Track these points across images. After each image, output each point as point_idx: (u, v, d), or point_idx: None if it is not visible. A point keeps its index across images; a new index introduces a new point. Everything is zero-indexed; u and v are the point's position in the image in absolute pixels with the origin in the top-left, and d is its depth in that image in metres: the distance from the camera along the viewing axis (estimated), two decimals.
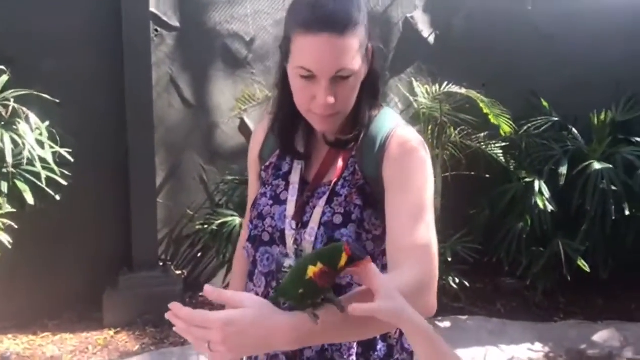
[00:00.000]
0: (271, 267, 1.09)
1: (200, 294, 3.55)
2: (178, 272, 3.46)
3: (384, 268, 1.07)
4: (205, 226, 3.25)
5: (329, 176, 1.09)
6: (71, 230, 3.25)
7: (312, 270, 0.81)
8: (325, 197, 1.06)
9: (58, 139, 2.83)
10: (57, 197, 2.83)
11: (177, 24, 3.38)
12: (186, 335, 0.82)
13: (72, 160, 2.82)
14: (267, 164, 1.17)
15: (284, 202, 1.10)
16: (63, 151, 2.80)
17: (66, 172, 2.79)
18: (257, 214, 1.12)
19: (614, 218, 3.35)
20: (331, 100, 0.99)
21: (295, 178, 1.11)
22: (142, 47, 3.19)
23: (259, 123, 1.25)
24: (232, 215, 3.22)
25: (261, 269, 1.11)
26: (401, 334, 1.11)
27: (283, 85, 1.09)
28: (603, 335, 3.19)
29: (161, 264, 3.42)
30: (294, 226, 1.07)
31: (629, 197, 3.38)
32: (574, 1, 3.88)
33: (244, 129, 3.56)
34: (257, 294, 1.11)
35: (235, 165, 3.50)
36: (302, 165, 1.12)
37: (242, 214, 3.25)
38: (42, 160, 2.67)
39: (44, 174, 2.66)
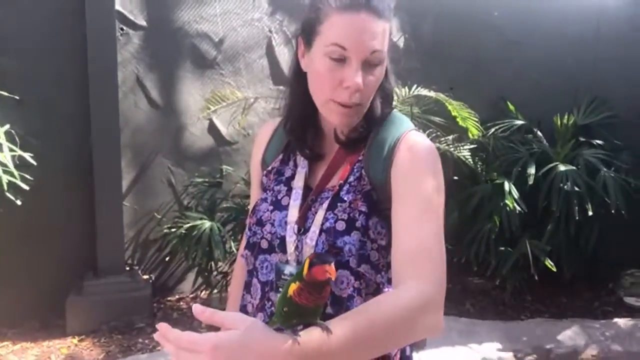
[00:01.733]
0: (269, 275, 1.04)
1: (169, 298, 3.48)
2: (145, 277, 3.37)
3: (389, 281, 1.02)
4: (173, 229, 3.18)
5: (334, 181, 1.04)
6: (33, 234, 3.13)
7: (292, 288, 0.81)
8: (327, 202, 1.01)
9: (17, 140, 2.71)
10: (18, 202, 2.72)
11: (143, 23, 3.30)
12: (175, 358, 0.78)
13: (34, 163, 2.71)
14: (269, 168, 1.12)
15: (284, 208, 1.05)
16: (26, 155, 2.69)
17: (27, 176, 2.69)
18: (256, 220, 1.07)
19: (577, 218, 3.44)
20: (361, 83, 0.95)
21: (299, 183, 1.07)
22: (107, 46, 3.11)
23: (262, 126, 1.21)
24: (201, 219, 3.16)
25: (260, 278, 1.06)
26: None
27: (296, 81, 1.06)
28: (568, 333, 3.26)
29: (128, 268, 3.32)
30: (295, 231, 1.01)
31: (592, 198, 3.48)
32: (538, 8, 3.99)
33: (213, 131, 3.51)
34: (252, 305, 1.07)
35: (204, 167, 3.45)
36: (307, 170, 1.08)
37: (211, 216, 3.20)
38: (1, 164, 2.55)
39: (4, 177, 2.55)
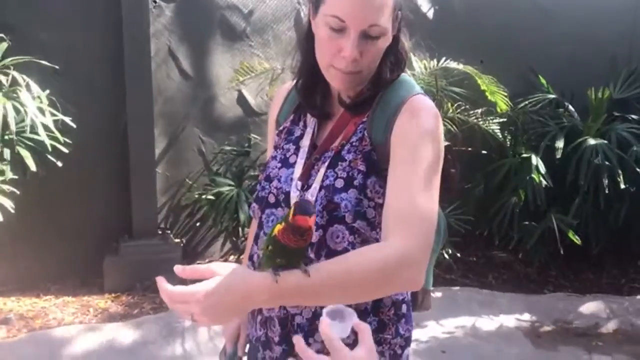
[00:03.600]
0: None
1: (199, 261, 3.64)
2: (177, 240, 3.54)
3: None
4: (204, 196, 3.31)
5: (338, 140, 1.07)
6: (72, 197, 3.33)
7: (277, 228, 0.87)
8: (329, 161, 1.05)
9: (59, 106, 2.88)
10: (59, 164, 2.90)
11: None
12: (171, 308, 0.89)
13: (74, 126, 2.88)
14: (281, 128, 1.17)
15: (291, 165, 1.10)
16: (66, 118, 2.86)
17: (68, 140, 2.86)
18: (265, 176, 1.13)
19: (607, 192, 3.38)
20: (356, 54, 0.98)
21: (306, 142, 1.11)
22: (140, 19, 3.22)
23: (278, 87, 1.26)
24: (229, 185, 3.29)
25: (266, 230, 1.11)
26: (397, 317, 1.11)
27: (307, 41, 1.08)
28: (590, 307, 3.26)
29: (160, 232, 3.50)
30: (299, 187, 1.07)
31: (623, 173, 3.41)
32: None
33: (242, 101, 3.61)
34: (258, 256, 1.14)
35: (233, 137, 3.56)
36: (315, 130, 1.11)
37: (239, 184, 3.32)
38: (45, 127, 2.72)
39: (47, 141, 2.72)
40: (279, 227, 0.87)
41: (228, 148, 3.46)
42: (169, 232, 3.55)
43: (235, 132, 3.58)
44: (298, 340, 0.83)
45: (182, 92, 3.50)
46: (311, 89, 1.12)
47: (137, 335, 2.79)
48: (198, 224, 3.63)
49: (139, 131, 3.32)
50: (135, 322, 2.92)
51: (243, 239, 3.52)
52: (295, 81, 1.16)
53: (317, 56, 1.06)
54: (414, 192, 0.95)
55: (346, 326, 0.79)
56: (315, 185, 1.05)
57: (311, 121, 1.14)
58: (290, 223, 0.85)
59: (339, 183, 1.03)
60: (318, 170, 1.06)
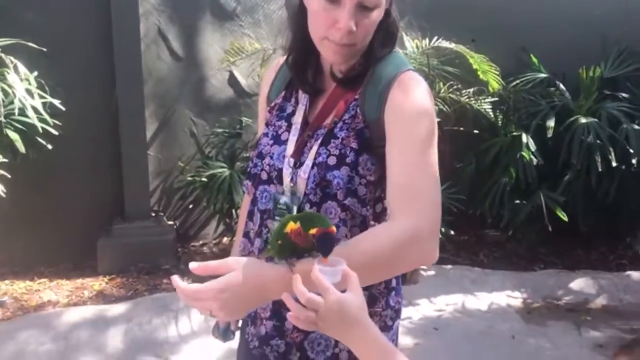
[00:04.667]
0: (268, 205, 1.10)
1: (193, 243, 3.66)
2: (170, 223, 3.54)
3: (377, 216, 1.09)
4: (196, 178, 3.31)
5: (330, 117, 1.08)
6: (64, 180, 3.32)
7: (290, 227, 0.87)
8: (321, 138, 1.06)
9: (47, 89, 2.85)
10: (49, 147, 2.88)
11: None
12: (189, 305, 0.91)
13: (63, 109, 2.85)
14: (273, 104, 1.16)
15: (284, 142, 1.10)
16: (55, 101, 2.83)
17: (57, 122, 2.84)
18: (257, 153, 1.13)
19: (599, 170, 3.41)
20: (352, 26, 0.98)
21: (298, 119, 1.11)
22: None
23: (270, 64, 1.27)
24: (221, 167, 3.29)
25: (259, 206, 1.12)
26: (387, 290, 1.12)
27: (299, 15, 1.08)
28: (579, 284, 3.31)
29: (153, 214, 3.50)
30: (291, 164, 1.07)
31: (614, 150, 3.44)
32: None
33: (233, 82, 3.58)
34: (254, 232, 1.15)
35: (225, 118, 3.54)
36: (306, 107, 1.11)
37: (231, 165, 3.32)
38: (34, 110, 2.70)
39: (37, 123, 2.70)
40: (292, 225, 0.87)
41: (220, 130, 3.45)
42: (162, 214, 3.55)
43: (227, 114, 3.57)
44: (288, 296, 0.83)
45: (172, 73, 3.47)
46: (303, 64, 1.11)
47: (132, 316, 2.81)
48: (191, 206, 3.64)
49: (130, 113, 3.30)
50: (130, 303, 2.94)
51: (237, 220, 3.52)
52: (286, 57, 1.15)
53: (311, 29, 1.05)
54: (416, 168, 0.97)
55: (336, 271, 0.81)
56: (308, 162, 1.05)
57: (303, 97, 1.14)
58: (308, 233, 0.84)
59: (332, 160, 1.03)
60: (311, 148, 1.07)
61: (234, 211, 3.40)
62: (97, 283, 3.18)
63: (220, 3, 3.46)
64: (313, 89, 1.12)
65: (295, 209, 1.06)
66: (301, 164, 1.06)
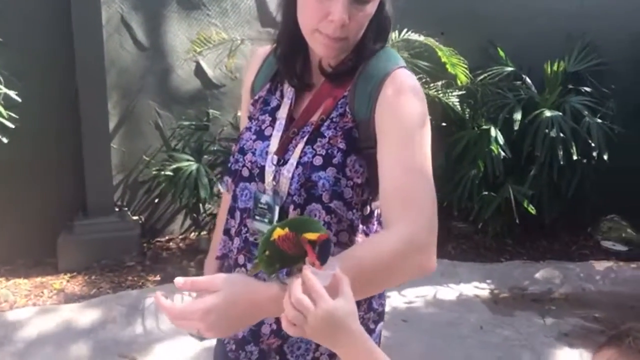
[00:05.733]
0: (248, 203, 1.05)
1: (159, 239, 3.56)
2: (135, 218, 3.44)
3: (364, 220, 1.05)
4: (162, 172, 3.22)
5: (317, 114, 1.03)
6: (22, 175, 3.17)
7: (277, 233, 0.82)
8: (307, 136, 1.01)
9: (1, 79, 2.71)
10: (4, 140, 2.74)
11: None
12: (172, 323, 0.85)
13: (19, 100, 2.71)
14: (256, 97, 1.11)
15: (267, 138, 1.05)
16: (10, 92, 2.69)
17: (13, 115, 2.70)
18: (239, 148, 1.08)
19: (562, 163, 3.49)
20: (346, 19, 0.93)
21: (283, 114, 1.05)
22: None
23: (254, 52, 1.18)
24: (188, 161, 3.20)
25: (239, 204, 1.07)
26: None
27: (288, 5, 1.02)
28: (544, 274, 3.39)
29: (117, 209, 3.38)
30: (275, 162, 1.02)
31: (577, 144, 3.52)
32: None
33: (200, 73, 3.49)
34: (235, 230, 1.10)
35: (192, 110, 3.45)
36: (292, 101, 1.06)
37: (198, 159, 3.24)
38: None
39: None
40: (279, 232, 0.81)
41: (186, 123, 3.36)
42: (126, 209, 3.44)
43: (194, 106, 3.47)
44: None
45: (136, 63, 3.35)
46: (291, 57, 1.06)
47: (96, 316, 2.72)
48: (157, 200, 3.53)
49: (91, 104, 3.17)
50: (94, 302, 2.84)
51: (204, 215, 3.45)
52: (274, 48, 1.09)
53: (301, 21, 1.00)
54: (411, 173, 0.92)
55: (328, 275, 0.77)
56: (292, 161, 1.00)
57: (288, 91, 1.08)
58: (298, 237, 0.79)
59: (317, 161, 0.99)
60: (296, 145, 1.02)
61: (200, 206, 3.33)
62: (58, 281, 3.06)
63: None
64: (301, 83, 1.06)
65: (277, 208, 1.02)
66: (285, 162, 1.01)
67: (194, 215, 3.45)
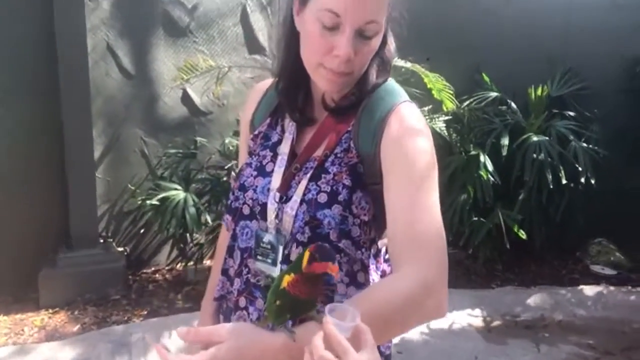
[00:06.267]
0: (249, 242, 1.02)
1: (144, 270, 3.47)
2: (120, 249, 3.34)
3: (372, 258, 1.01)
4: (148, 201, 3.14)
5: (320, 150, 1.00)
6: (4, 208, 3.06)
7: (286, 280, 0.78)
8: (311, 172, 0.98)
9: None
10: None
11: None
12: None
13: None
14: (256, 132, 1.09)
15: (268, 174, 1.02)
16: None
17: None
18: (239, 185, 1.05)
19: (550, 187, 3.50)
20: (351, 53, 0.91)
21: (284, 149, 1.03)
22: (75, 12, 2.99)
23: (254, 86, 1.16)
24: (175, 189, 3.13)
25: (239, 244, 1.04)
26: None
27: (290, 38, 1.00)
28: (535, 300, 3.38)
29: (102, 241, 3.29)
30: (277, 199, 0.98)
31: (564, 168, 3.55)
32: None
33: (187, 100, 3.44)
34: (234, 270, 1.06)
35: (179, 138, 3.39)
36: (294, 136, 1.03)
37: (186, 187, 3.17)
38: None
39: None
40: (287, 278, 0.78)
41: (173, 150, 3.30)
42: (111, 240, 3.34)
43: (180, 133, 3.42)
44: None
45: (122, 91, 3.29)
46: (294, 91, 1.03)
47: (79, 353, 2.60)
48: (142, 230, 3.44)
49: (76, 132, 3.09)
50: (77, 339, 2.72)
51: (191, 245, 3.37)
52: (275, 82, 1.07)
53: (304, 55, 0.97)
54: (419, 211, 0.89)
55: (349, 327, 0.72)
56: (296, 198, 0.97)
57: (290, 126, 1.05)
58: (304, 273, 0.76)
59: (322, 198, 0.95)
60: (299, 182, 0.98)
61: (187, 235, 3.25)
62: (39, 318, 2.93)
63: (174, 18, 3.32)
64: (303, 117, 1.03)
65: (280, 248, 0.98)
66: (288, 199, 0.98)
67: (181, 245, 3.37)
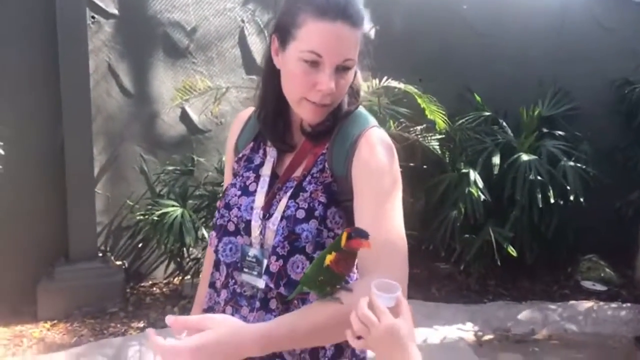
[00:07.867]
0: (234, 257, 1.11)
1: (142, 284, 3.53)
2: (118, 263, 3.41)
3: None
4: (146, 217, 3.22)
5: (299, 171, 1.10)
6: (3, 218, 3.14)
7: (329, 259, 0.91)
8: (291, 191, 1.08)
9: None
10: None
11: (115, 11, 3.31)
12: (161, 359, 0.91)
13: (1, 152, 2.73)
14: (240, 155, 1.18)
15: (252, 194, 1.11)
16: None
17: None
18: (224, 204, 1.14)
19: (540, 206, 3.58)
20: (333, 87, 1.01)
21: (266, 171, 1.13)
22: (78, 34, 3.11)
23: (237, 116, 1.28)
24: (173, 206, 3.21)
25: (223, 259, 1.12)
26: None
27: (271, 75, 1.10)
28: (526, 315, 3.42)
29: (100, 254, 3.36)
30: (260, 216, 1.08)
31: (553, 187, 3.63)
32: (506, 1, 4.10)
33: (185, 119, 3.55)
34: (221, 282, 1.15)
35: (177, 155, 3.49)
36: (275, 159, 1.14)
37: (183, 204, 3.25)
38: None
39: None
40: (330, 257, 0.91)
41: (171, 168, 3.39)
42: (110, 254, 3.41)
43: (179, 151, 3.52)
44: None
45: (122, 110, 3.40)
46: (274, 120, 1.14)
47: None
48: (140, 245, 3.52)
49: (77, 149, 3.19)
50: (75, 351, 2.77)
51: (188, 260, 3.44)
52: (257, 112, 1.17)
53: (287, 90, 1.07)
54: (384, 227, 0.99)
55: (391, 298, 0.85)
56: (277, 215, 1.07)
57: (271, 150, 1.16)
58: (344, 250, 0.89)
59: (300, 214, 1.05)
60: (280, 200, 1.08)
61: (185, 250, 3.32)
62: (38, 330, 2.99)
63: (173, 40, 3.45)
64: (283, 145, 1.14)
65: (265, 261, 1.07)
66: (270, 216, 1.08)
67: (178, 260, 3.44)
